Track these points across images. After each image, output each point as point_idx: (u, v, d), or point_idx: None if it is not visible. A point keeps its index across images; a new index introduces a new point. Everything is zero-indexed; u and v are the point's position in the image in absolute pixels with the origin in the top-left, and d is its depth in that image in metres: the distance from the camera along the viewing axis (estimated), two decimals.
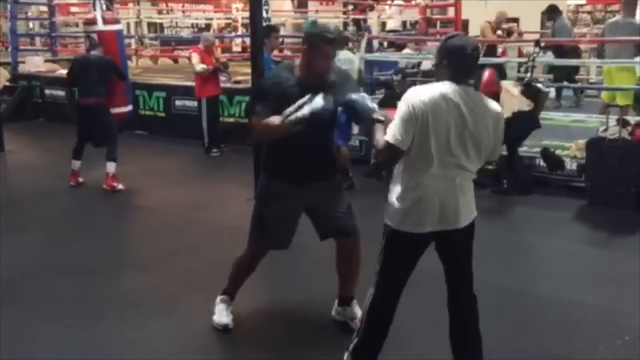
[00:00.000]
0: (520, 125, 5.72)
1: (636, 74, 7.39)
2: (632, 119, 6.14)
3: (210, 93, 7.71)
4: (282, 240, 3.23)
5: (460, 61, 2.50)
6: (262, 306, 3.74)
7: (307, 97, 2.83)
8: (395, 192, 2.59)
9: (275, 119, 2.88)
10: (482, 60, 9.04)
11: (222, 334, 3.33)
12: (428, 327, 3.23)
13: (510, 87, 6.06)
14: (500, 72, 8.10)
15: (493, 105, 2.58)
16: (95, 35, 6.50)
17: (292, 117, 2.82)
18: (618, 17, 7.54)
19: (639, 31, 7.05)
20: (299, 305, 3.68)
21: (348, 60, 6.38)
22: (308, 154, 3.05)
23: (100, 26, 6.52)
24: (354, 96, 2.85)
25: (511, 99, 5.82)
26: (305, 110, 2.80)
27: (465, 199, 2.59)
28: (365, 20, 13.48)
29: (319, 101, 2.81)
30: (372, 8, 12.77)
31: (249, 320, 3.54)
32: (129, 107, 6.85)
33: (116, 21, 6.75)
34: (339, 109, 2.94)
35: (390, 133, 2.49)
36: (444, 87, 2.48)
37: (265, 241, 3.25)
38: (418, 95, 2.47)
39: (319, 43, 2.95)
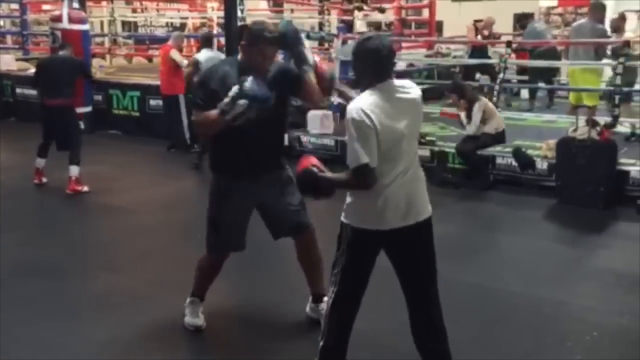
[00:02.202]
0: (500, 140, 6.18)
1: (600, 75, 7.59)
2: (601, 119, 6.28)
3: (183, 90, 7.74)
4: (236, 241, 3.22)
5: (378, 63, 2.53)
6: (237, 305, 3.74)
7: (235, 87, 2.81)
8: (356, 192, 2.58)
9: (212, 113, 2.86)
10: (473, 61, 9.29)
11: (195, 334, 3.33)
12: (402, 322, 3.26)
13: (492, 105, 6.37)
14: (491, 72, 8.22)
15: (417, 88, 2.64)
16: (59, 33, 6.44)
17: (234, 111, 2.79)
18: (583, 20, 7.73)
19: (602, 35, 7.23)
20: (274, 303, 3.69)
21: (212, 59, 6.67)
22: (253, 147, 3.01)
23: (66, 24, 6.46)
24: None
25: (497, 116, 6.18)
26: (243, 100, 2.78)
27: (423, 189, 2.64)
28: (342, 21, 13.50)
29: (250, 86, 2.80)
30: (360, 8, 12.78)
31: (223, 319, 3.54)
32: (87, 109, 6.78)
33: (82, 21, 6.70)
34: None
35: (357, 157, 2.44)
36: (376, 90, 2.51)
37: (220, 244, 3.23)
38: (360, 108, 2.46)
39: (257, 42, 2.95)
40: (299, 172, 2.62)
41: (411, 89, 2.61)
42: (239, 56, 3.11)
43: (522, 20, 9.66)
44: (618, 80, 6.53)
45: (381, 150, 2.48)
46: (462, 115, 6.20)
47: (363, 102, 2.49)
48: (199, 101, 2.99)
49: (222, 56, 6.94)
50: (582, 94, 7.41)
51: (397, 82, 2.60)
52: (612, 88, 6.78)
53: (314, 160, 2.65)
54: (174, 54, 7.66)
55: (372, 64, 2.53)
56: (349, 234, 2.62)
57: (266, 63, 3.00)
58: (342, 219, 2.65)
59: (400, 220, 2.56)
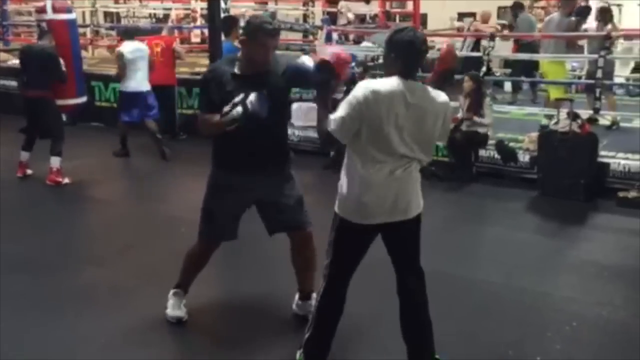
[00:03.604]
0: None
1: (567, 67, 7.76)
2: (585, 112, 6.35)
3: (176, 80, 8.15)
4: (230, 232, 3.23)
5: (409, 56, 2.50)
6: (222, 299, 3.73)
7: (240, 96, 2.86)
8: (347, 182, 2.60)
9: (214, 117, 2.94)
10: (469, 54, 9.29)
11: (179, 328, 3.32)
12: (386, 315, 3.29)
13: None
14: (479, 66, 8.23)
15: (441, 97, 2.60)
16: (44, 24, 6.36)
17: (228, 116, 2.87)
18: (555, 14, 7.87)
19: (568, 27, 7.35)
20: (260, 299, 3.68)
21: (138, 49, 7.04)
22: (256, 145, 3.03)
23: (50, 15, 6.37)
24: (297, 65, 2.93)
25: (489, 109, 6.27)
26: (239, 109, 2.85)
27: (414, 188, 2.64)
28: (327, 13, 13.48)
29: (252, 100, 2.84)
30: None
31: (207, 313, 3.53)
32: (81, 99, 6.67)
33: (67, 10, 6.58)
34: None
35: (334, 124, 2.50)
36: (393, 82, 2.49)
37: (214, 234, 3.24)
38: (368, 89, 2.46)
39: (258, 34, 2.93)
40: (332, 60, 2.58)
41: (433, 98, 2.55)
42: (239, 53, 3.07)
43: (515, 8, 9.70)
44: (599, 74, 6.59)
45: (368, 139, 2.47)
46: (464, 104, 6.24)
47: (377, 87, 2.46)
48: (203, 105, 3.15)
49: (144, 47, 7.26)
50: (548, 87, 7.58)
51: (423, 86, 2.55)
52: (592, 81, 6.84)
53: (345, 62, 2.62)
54: (178, 46, 8.16)
55: (403, 57, 2.49)
56: (338, 224, 2.65)
57: (268, 55, 2.98)
58: (335, 207, 2.66)
59: (387, 216, 2.58)
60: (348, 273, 2.71)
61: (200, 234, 3.26)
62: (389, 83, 2.49)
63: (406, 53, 2.49)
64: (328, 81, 2.60)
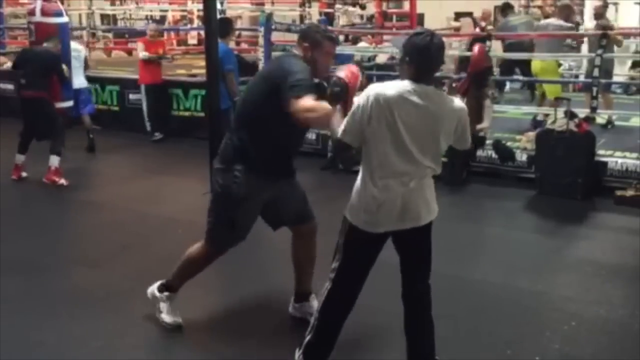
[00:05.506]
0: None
1: (557, 68, 7.82)
2: (582, 111, 6.34)
3: (149, 81, 8.14)
4: (244, 236, 3.16)
5: (423, 61, 2.47)
6: (216, 301, 3.71)
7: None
8: (359, 190, 2.57)
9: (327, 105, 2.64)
10: (453, 52, 9.24)
11: (174, 330, 3.29)
12: (384, 313, 3.27)
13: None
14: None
15: (455, 103, 2.56)
16: (33, 27, 6.37)
17: (334, 92, 2.68)
18: (551, 19, 7.91)
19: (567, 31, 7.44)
20: (255, 301, 3.67)
21: (76, 49, 7.45)
22: (291, 149, 3.09)
23: (38, 17, 6.36)
24: None
25: (489, 112, 6.18)
26: (336, 81, 2.70)
27: (426, 197, 2.60)
28: (325, 14, 13.46)
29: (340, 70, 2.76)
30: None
31: (203, 315, 3.51)
32: (67, 104, 6.67)
33: (56, 14, 6.55)
34: None
35: (341, 128, 2.49)
36: (404, 86, 2.45)
37: (232, 241, 3.16)
38: (372, 91, 2.44)
39: (323, 41, 2.94)
40: (348, 74, 2.66)
41: (445, 102, 2.52)
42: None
43: (503, 10, 9.74)
44: (596, 72, 6.59)
45: (377, 142, 2.45)
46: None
47: (382, 89, 2.44)
48: (310, 85, 2.73)
49: (79, 47, 7.74)
50: (544, 87, 7.60)
51: (435, 91, 2.52)
52: (590, 80, 6.84)
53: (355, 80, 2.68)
54: (138, 46, 8.27)
55: (416, 61, 2.47)
56: (347, 230, 2.62)
57: (331, 61, 3.03)
58: (345, 212, 2.63)
59: (395, 224, 2.55)
60: (358, 279, 2.66)
61: (211, 240, 3.13)
62: (397, 85, 2.46)
63: (420, 58, 2.47)
64: (339, 95, 2.62)
